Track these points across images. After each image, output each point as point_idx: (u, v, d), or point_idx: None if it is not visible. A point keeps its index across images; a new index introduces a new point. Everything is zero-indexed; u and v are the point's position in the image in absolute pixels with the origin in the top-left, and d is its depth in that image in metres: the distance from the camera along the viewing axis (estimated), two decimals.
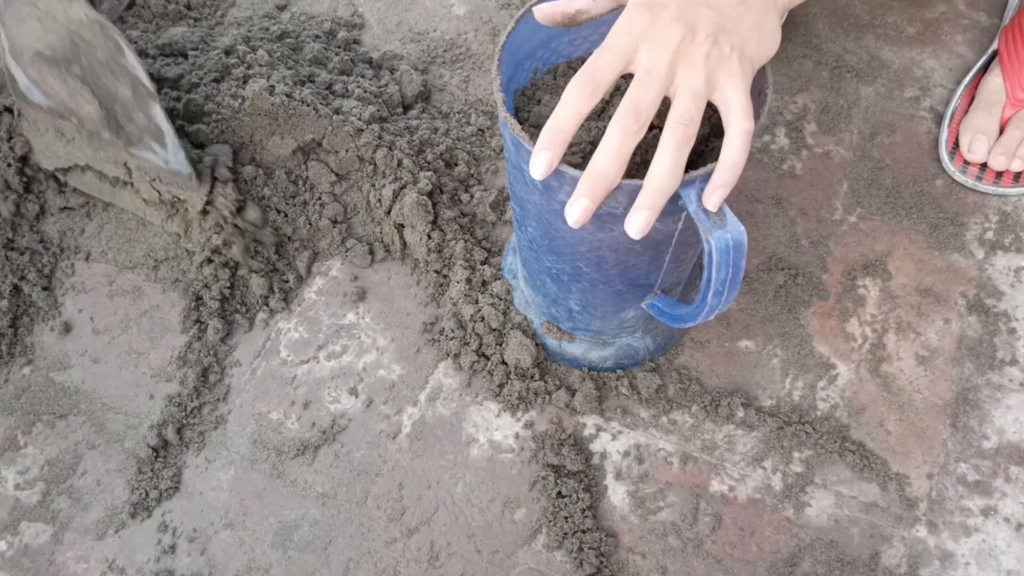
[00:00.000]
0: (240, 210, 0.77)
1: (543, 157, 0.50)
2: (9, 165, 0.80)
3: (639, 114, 0.49)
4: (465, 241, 0.78)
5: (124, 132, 0.73)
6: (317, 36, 0.94)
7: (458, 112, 0.90)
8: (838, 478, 0.69)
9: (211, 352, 0.77)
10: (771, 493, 0.69)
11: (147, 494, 0.71)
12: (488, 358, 0.74)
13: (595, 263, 0.60)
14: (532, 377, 0.73)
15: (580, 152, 0.57)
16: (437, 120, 0.88)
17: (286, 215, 0.81)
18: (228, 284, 0.79)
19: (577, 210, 0.50)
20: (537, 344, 0.73)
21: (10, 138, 0.79)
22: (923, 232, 0.80)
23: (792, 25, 0.94)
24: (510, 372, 0.73)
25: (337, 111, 0.82)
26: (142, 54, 0.84)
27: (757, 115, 0.54)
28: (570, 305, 0.67)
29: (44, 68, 0.71)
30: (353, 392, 0.75)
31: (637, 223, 0.50)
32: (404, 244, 0.81)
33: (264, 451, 0.73)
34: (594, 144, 0.56)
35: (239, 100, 0.78)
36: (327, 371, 0.76)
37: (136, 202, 0.79)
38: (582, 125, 0.58)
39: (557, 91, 0.63)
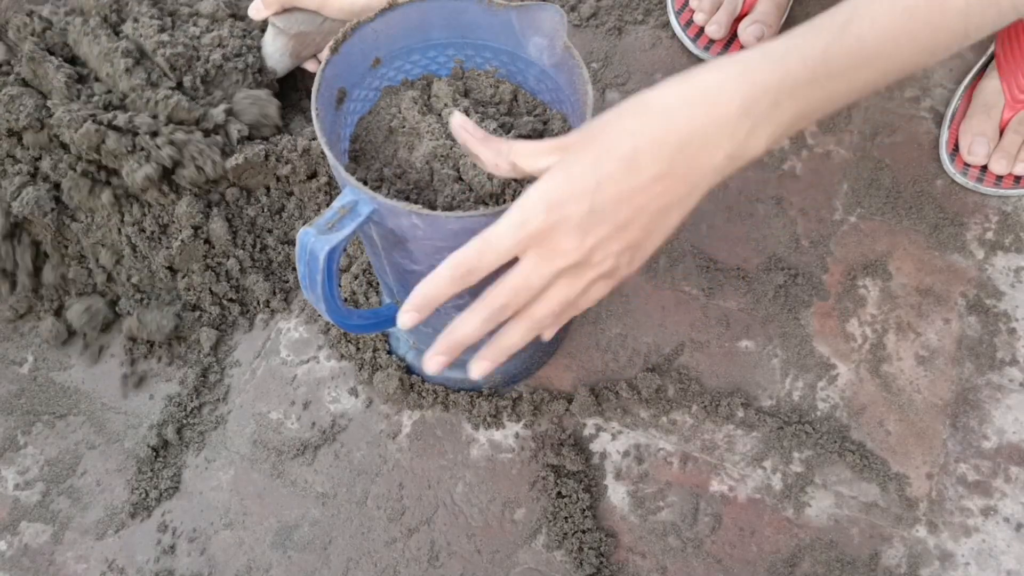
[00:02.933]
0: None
1: (411, 317, 0.49)
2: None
3: (505, 310, 0.48)
4: None
5: None
6: None
7: None
8: (838, 478, 0.69)
9: (211, 352, 0.77)
10: (771, 493, 0.69)
11: (147, 494, 0.71)
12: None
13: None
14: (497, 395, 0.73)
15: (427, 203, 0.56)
16: None
17: (272, 231, 0.81)
18: (231, 287, 0.79)
19: (435, 365, 0.51)
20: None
21: None
22: (923, 232, 0.80)
23: (793, 25, 0.93)
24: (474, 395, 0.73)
25: None
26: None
27: None
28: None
29: None
30: (353, 392, 0.75)
31: (479, 370, 0.51)
32: None
33: (264, 451, 0.73)
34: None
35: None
36: (327, 371, 0.76)
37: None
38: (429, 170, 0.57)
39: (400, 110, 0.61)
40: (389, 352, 0.75)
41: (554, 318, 0.49)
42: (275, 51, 0.82)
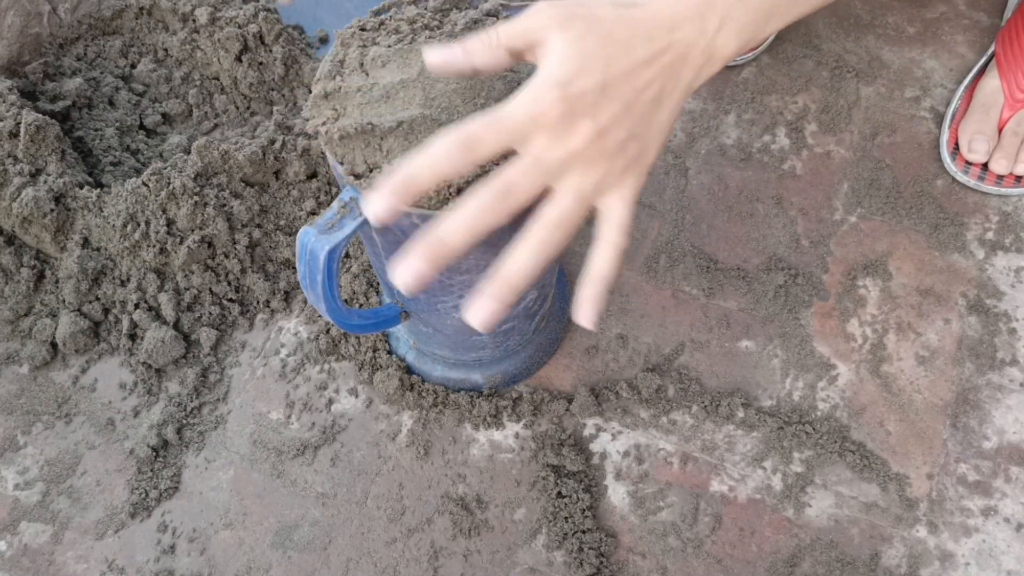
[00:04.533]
0: None
1: (384, 203, 0.42)
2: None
3: (508, 198, 0.43)
4: None
5: None
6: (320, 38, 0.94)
7: None
8: (838, 478, 0.69)
9: (211, 352, 0.77)
10: (771, 493, 0.69)
11: (147, 494, 0.71)
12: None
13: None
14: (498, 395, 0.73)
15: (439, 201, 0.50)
16: None
17: (272, 231, 0.81)
18: (231, 287, 0.79)
19: (407, 273, 0.43)
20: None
21: None
22: (923, 232, 0.80)
23: (792, 25, 0.93)
24: (474, 396, 0.73)
25: None
26: None
27: None
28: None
29: None
30: (353, 392, 0.75)
31: (481, 313, 0.44)
32: None
33: (264, 451, 0.73)
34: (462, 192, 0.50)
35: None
36: (327, 371, 0.76)
37: None
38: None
39: None
40: (389, 352, 0.75)
41: (567, 225, 0.44)
42: None
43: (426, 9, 0.55)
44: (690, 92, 0.48)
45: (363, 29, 0.54)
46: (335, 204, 0.50)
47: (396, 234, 0.52)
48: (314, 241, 0.49)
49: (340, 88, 0.50)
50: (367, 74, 0.51)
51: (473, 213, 0.43)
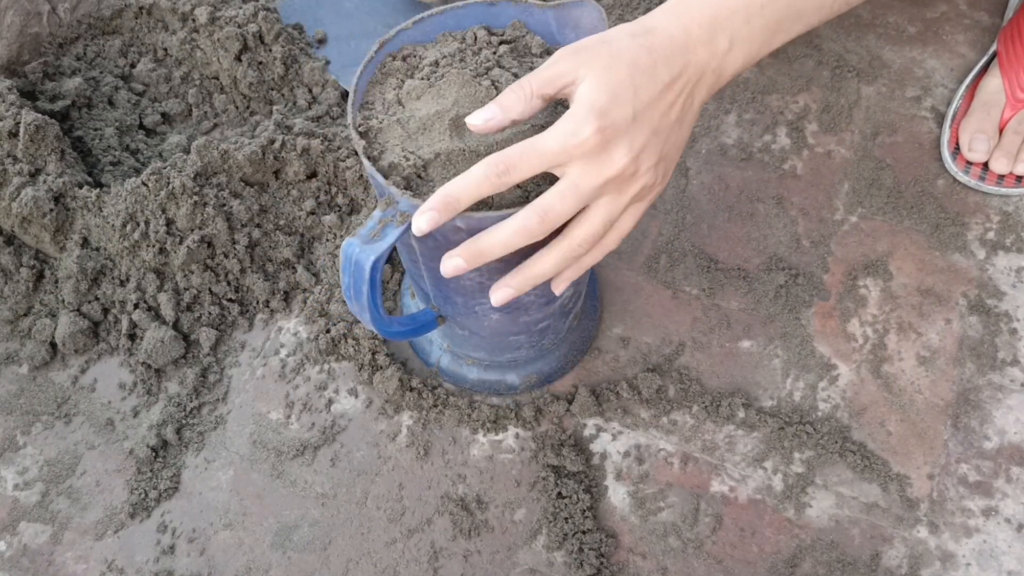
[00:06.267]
0: None
1: (429, 217, 0.47)
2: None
3: (544, 221, 0.47)
4: None
5: None
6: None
7: None
8: (839, 479, 0.69)
9: (211, 352, 0.77)
10: (772, 494, 0.69)
11: (146, 494, 0.71)
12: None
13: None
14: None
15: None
16: None
17: (259, 224, 0.81)
18: (230, 287, 0.79)
19: (448, 266, 0.49)
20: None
21: None
22: (924, 232, 0.80)
23: None
24: (474, 401, 0.73)
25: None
26: None
27: None
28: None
29: None
30: (353, 392, 0.75)
31: (497, 296, 0.52)
32: None
33: (264, 451, 0.73)
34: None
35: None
36: (327, 371, 0.76)
37: None
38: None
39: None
40: (388, 354, 0.75)
41: (591, 244, 0.50)
42: None
43: (462, 41, 0.58)
44: (701, 109, 0.51)
45: (402, 59, 0.57)
46: (376, 214, 0.50)
47: (436, 239, 0.52)
48: (359, 252, 0.49)
49: (382, 123, 0.54)
50: (403, 107, 0.54)
51: (512, 232, 0.47)
